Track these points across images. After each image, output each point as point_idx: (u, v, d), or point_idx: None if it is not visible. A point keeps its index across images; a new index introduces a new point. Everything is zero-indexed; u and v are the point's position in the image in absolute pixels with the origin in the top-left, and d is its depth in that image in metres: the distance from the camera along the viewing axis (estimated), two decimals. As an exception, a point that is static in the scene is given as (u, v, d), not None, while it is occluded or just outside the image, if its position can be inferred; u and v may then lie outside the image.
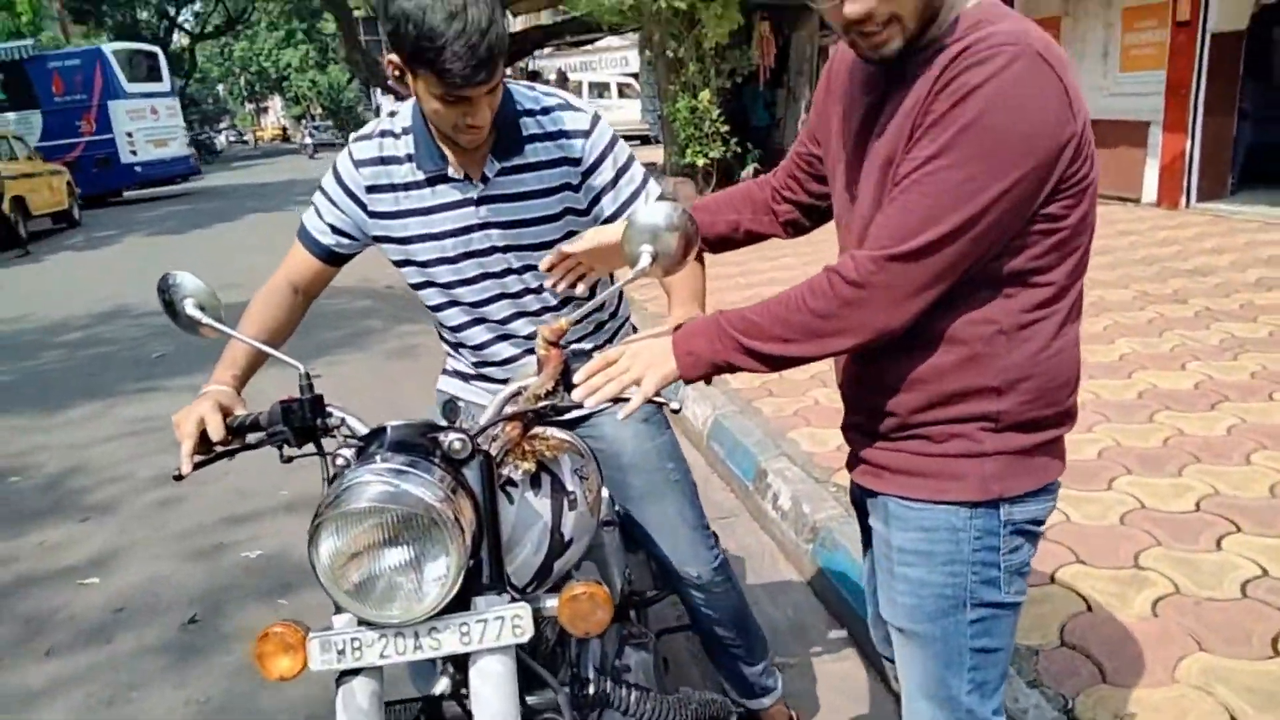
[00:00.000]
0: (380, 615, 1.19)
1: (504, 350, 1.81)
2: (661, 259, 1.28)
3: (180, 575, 3.24)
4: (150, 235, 13.96)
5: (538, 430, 1.52)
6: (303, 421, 1.34)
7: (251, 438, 1.42)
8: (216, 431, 1.37)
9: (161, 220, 15.89)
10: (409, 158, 1.64)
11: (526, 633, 1.23)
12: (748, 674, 2.07)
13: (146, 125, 19.73)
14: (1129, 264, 5.87)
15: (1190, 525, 2.69)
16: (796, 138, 1.54)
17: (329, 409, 1.36)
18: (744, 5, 9.94)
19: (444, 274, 1.72)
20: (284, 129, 67.38)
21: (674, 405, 1.35)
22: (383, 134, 1.66)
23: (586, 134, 1.66)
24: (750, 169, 10.17)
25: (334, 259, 1.76)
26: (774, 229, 1.59)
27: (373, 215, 1.69)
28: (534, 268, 1.68)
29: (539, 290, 1.74)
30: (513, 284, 1.73)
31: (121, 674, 2.67)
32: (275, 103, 72.65)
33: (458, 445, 1.23)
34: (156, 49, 22.38)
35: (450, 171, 1.62)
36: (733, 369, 1.25)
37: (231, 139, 59.07)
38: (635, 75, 24.18)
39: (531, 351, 1.61)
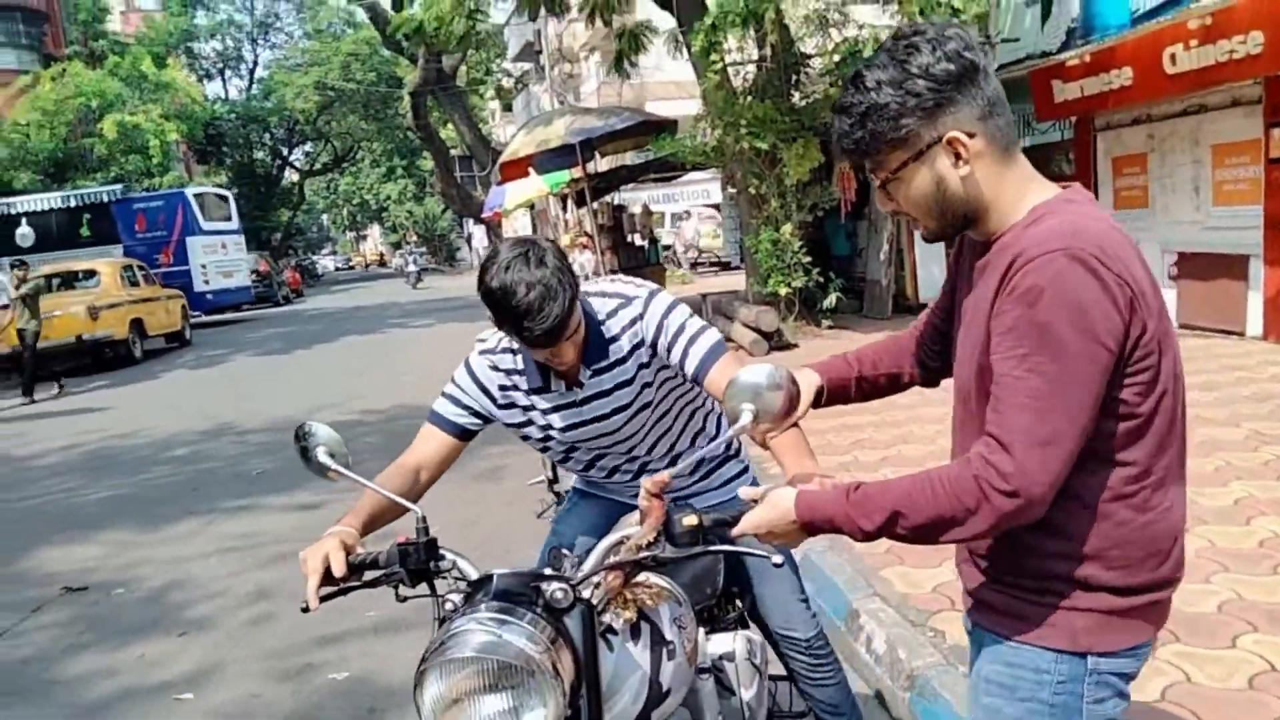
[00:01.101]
0: None
1: (613, 488, 2.12)
2: (763, 417, 1.32)
3: (270, 694, 3.27)
4: (256, 355, 14.70)
5: (638, 578, 1.54)
6: (417, 563, 1.41)
7: (369, 575, 1.48)
8: (339, 568, 1.44)
9: (266, 341, 16.74)
10: (520, 373, 1.88)
11: None
12: None
13: (217, 259, 21.55)
14: (1238, 401, 5.65)
15: (1329, 688, 2.49)
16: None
17: (442, 551, 1.42)
18: (824, 143, 10.26)
19: (558, 450, 2.04)
20: (381, 254, 71.28)
21: (776, 559, 1.37)
22: (502, 350, 1.91)
23: (641, 317, 1.84)
24: (833, 297, 10.25)
25: (465, 435, 1.94)
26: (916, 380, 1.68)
27: (500, 407, 1.93)
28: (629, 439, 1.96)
29: (637, 457, 2.01)
30: (615, 454, 2.01)
31: (211, 796, 2.68)
32: (374, 231, 76.89)
33: (559, 595, 1.27)
34: (228, 192, 24.67)
35: (553, 386, 1.87)
36: (855, 534, 1.29)
37: (338, 265, 63.47)
38: (716, 206, 24.94)
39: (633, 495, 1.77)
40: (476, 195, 31.06)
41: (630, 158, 13.77)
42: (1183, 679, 2.61)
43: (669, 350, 1.81)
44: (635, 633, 1.48)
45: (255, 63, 46.95)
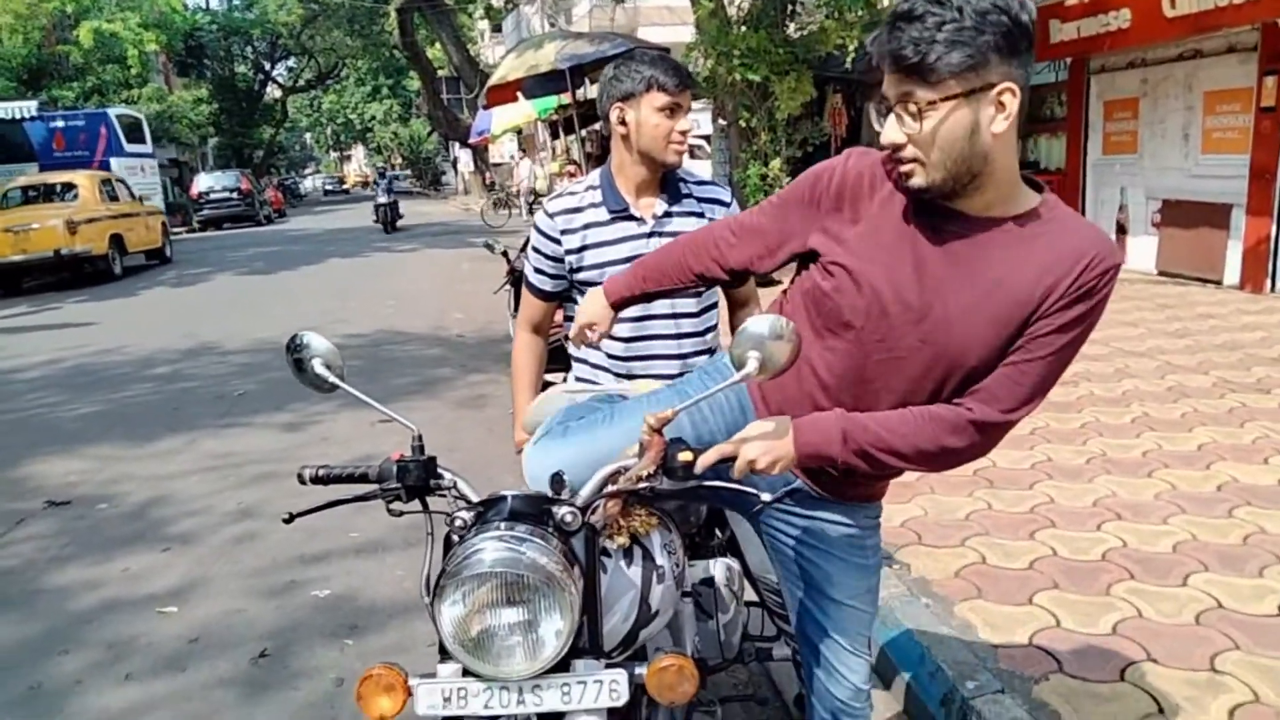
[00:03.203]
0: (494, 670, 1.28)
1: (639, 346, 2.24)
2: (768, 366, 1.35)
3: (253, 610, 3.35)
4: (239, 275, 14.57)
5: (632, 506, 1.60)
6: (417, 480, 1.43)
7: (362, 489, 1.51)
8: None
9: (250, 260, 16.58)
10: (596, 204, 2.20)
11: (622, 697, 1.31)
12: None
13: (136, 181, 20.58)
14: (1209, 349, 5.74)
15: (1272, 630, 2.61)
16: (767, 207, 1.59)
17: (441, 470, 1.45)
18: (817, 78, 10.11)
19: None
20: (366, 176, 70.06)
21: (765, 496, 1.41)
22: (571, 193, 2.24)
23: (727, 204, 2.27)
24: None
25: (552, 298, 2.28)
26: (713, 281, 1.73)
27: (568, 251, 2.19)
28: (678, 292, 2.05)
29: (678, 315, 2.23)
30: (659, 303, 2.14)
31: (195, 703, 2.77)
32: (358, 151, 75.47)
33: (569, 518, 1.33)
34: (141, 115, 23.80)
35: (631, 210, 2.17)
36: (836, 465, 1.41)
37: (328, 186, 62.57)
38: (706, 138, 24.70)
39: (657, 358, 2.21)
40: (464, 118, 30.47)
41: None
42: (1134, 614, 2.73)
43: None
44: (628, 556, 1.56)
45: (237, -30, 45.39)
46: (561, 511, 1.35)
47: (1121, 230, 9.14)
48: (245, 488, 4.62)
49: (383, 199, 21.45)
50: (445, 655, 1.36)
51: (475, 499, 1.43)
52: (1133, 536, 3.25)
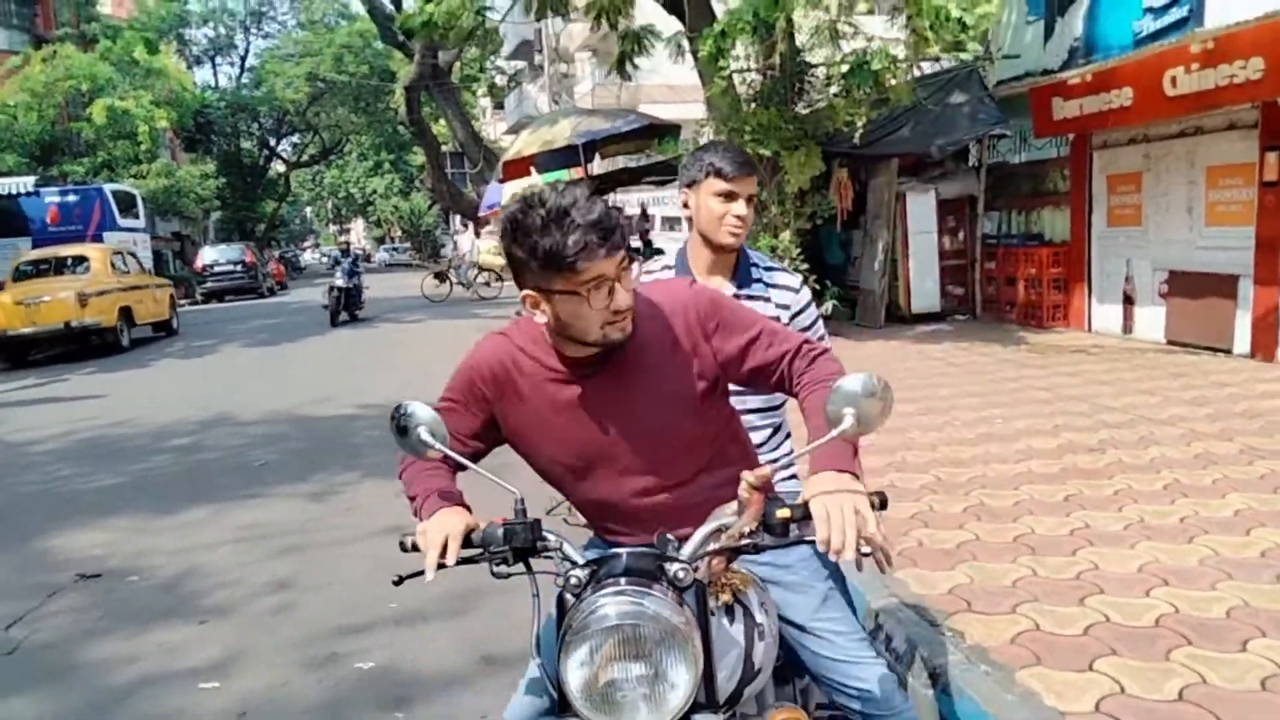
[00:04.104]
0: None
1: None
2: (863, 422, 1.40)
3: (298, 683, 3.30)
4: (246, 346, 14.63)
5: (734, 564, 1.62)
6: (524, 542, 1.45)
7: (466, 553, 1.53)
8: (455, 548, 1.49)
9: (255, 333, 16.65)
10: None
11: None
12: None
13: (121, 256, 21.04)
14: (1230, 417, 5.79)
15: (1339, 695, 2.59)
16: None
17: (545, 533, 1.47)
18: (824, 153, 10.36)
19: None
20: (364, 249, 70.77)
21: (865, 550, 1.43)
22: (648, 272, 2.42)
23: (797, 290, 2.38)
24: (829, 305, 10.35)
25: None
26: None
27: None
28: None
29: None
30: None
31: (248, 780, 2.71)
32: (357, 225, 76.40)
33: (682, 574, 1.36)
34: (135, 191, 24.13)
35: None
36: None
37: (325, 261, 62.99)
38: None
39: None
40: (467, 192, 30.98)
41: (622, 160, 13.81)
42: (1198, 680, 2.70)
43: (803, 324, 2.35)
44: (730, 614, 1.57)
45: (247, 51, 46.74)
46: (674, 568, 1.38)
47: (1129, 300, 9.28)
48: (277, 559, 4.59)
49: (340, 282, 16.67)
50: (564, 713, 1.38)
51: (580, 560, 1.46)
52: (1183, 602, 3.23)
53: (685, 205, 2.35)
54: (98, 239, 19.49)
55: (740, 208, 2.25)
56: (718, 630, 1.51)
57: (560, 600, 1.42)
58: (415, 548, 1.52)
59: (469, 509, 1.60)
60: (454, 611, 3.83)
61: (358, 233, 78.87)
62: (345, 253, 17.86)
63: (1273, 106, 7.23)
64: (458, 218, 39.62)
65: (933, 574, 3.63)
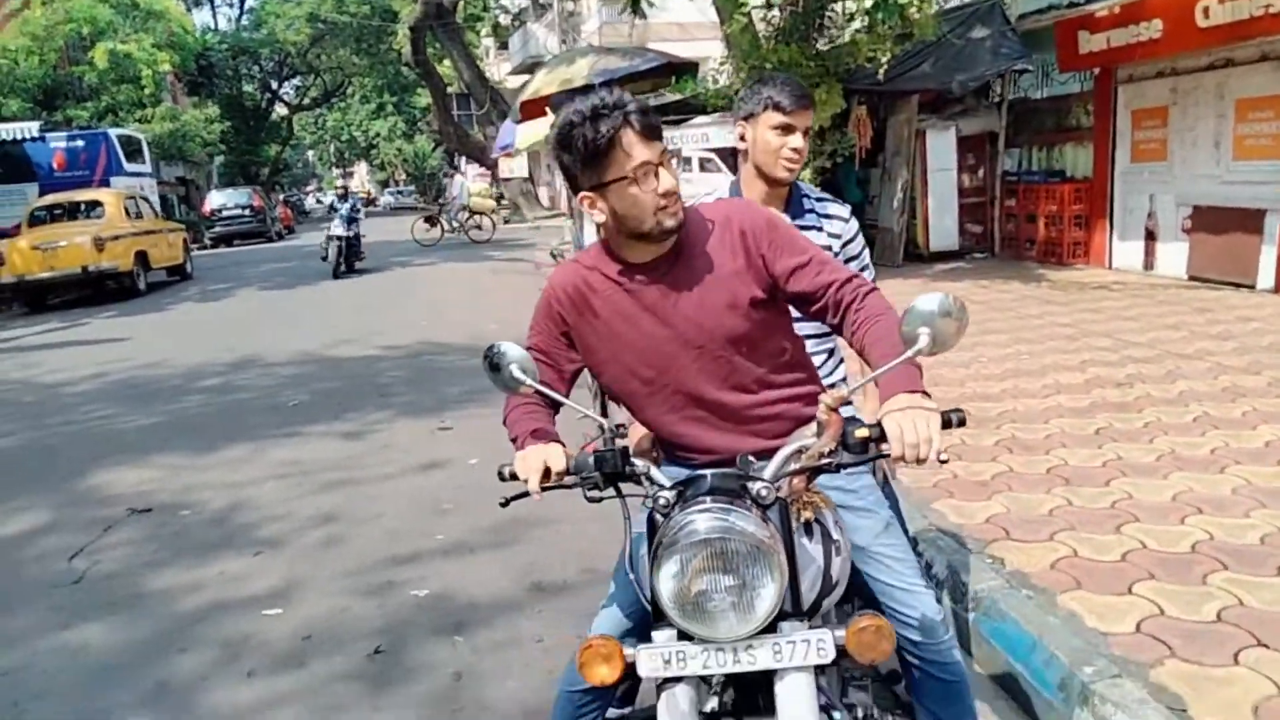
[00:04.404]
0: (709, 632, 1.38)
1: None
2: (939, 341, 1.45)
3: (357, 609, 3.42)
4: (262, 289, 14.69)
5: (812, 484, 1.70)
6: (614, 468, 1.53)
7: (564, 480, 1.60)
8: (559, 468, 1.56)
9: (270, 276, 16.69)
10: None
11: (829, 655, 1.40)
12: None
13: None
14: (1256, 350, 5.82)
15: (1374, 613, 2.67)
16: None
17: (633, 460, 1.55)
18: (844, 90, 10.24)
19: None
20: (369, 192, 70.30)
21: (944, 457, 1.49)
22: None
23: (847, 220, 2.41)
24: (848, 245, 10.33)
25: None
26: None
27: None
28: None
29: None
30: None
31: (321, 697, 2.84)
32: (361, 168, 75.77)
33: (764, 493, 1.44)
34: (141, 136, 23.89)
35: None
36: None
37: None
38: (715, 150, 24.91)
39: None
40: (474, 134, 30.67)
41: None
42: (1235, 603, 2.79)
43: (852, 252, 2.40)
44: (809, 532, 1.64)
45: (247, -9, 45.77)
46: (757, 486, 1.45)
47: (1151, 236, 9.25)
48: (321, 494, 4.70)
49: (339, 230, 15.20)
50: (659, 623, 1.46)
51: (666, 483, 1.53)
52: (1218, 529, 3.31)
53: (741, 138, 2.37)
54: (105, 184, 19.36)
55: (797, 140, 2.27)
56: (799, 546, 1.58)
57: (650, 520, 1.49)
58: (513, 476, 1.59)
59: (563, 444, 1.67)
60: (500, 543, 3.94)
61: (361, 176, 78.27)
62: (343, 197, 16.00)
63: (1307, 37, 7.12)
64: (463, 159, 39.31)
65: (970, 504, 3.71)
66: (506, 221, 28.61)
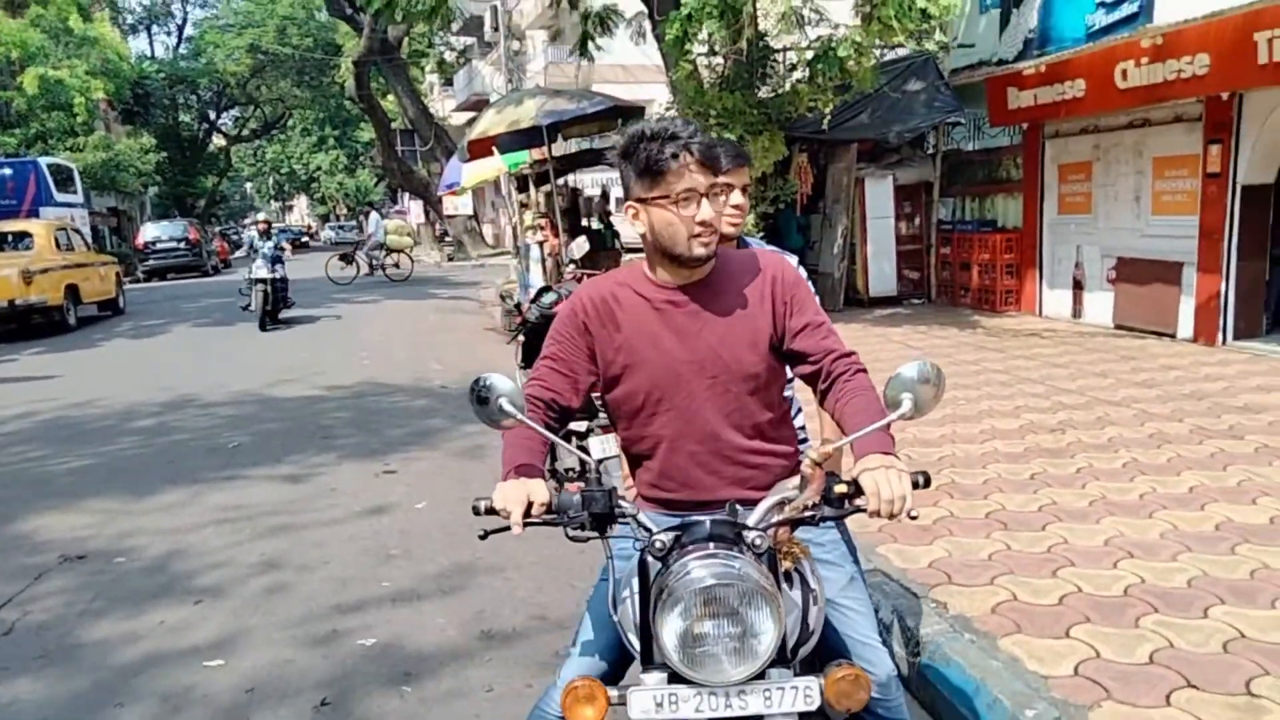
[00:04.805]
0: (705, 677, 1.42)
1: None
2: (919, 406, 1.57)
3: (302, 660, 3.35)
4: (198, 326, 14.35)
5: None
6: (603, 508, 1.56)
7: (546, 517, 1.62)
8: (540, 506, 1.58)
9: (206, 312, 16.32)
10: None
11: (815, 703, 1.45)
12: None
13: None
14: (1178, 399, 6.10)
15: (1295, 655, 2.82)
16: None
17: (619, 501, 1.58)
18: (785, 137, 10.53)
19: None
20: (310, 226, 69.26)
21: (914, 513, 1.58)
22: None
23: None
24: (790, 289, 10.52)
25: None
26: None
27: None
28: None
29: None
30: None
31: (267, 754, 2.77)
32: (301, 201, 74.72)
33: (759, 540, 1.47)
34: (72, 165, 23.45)
35: None
36: None
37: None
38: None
39: None
40: (418, 170, 30.57)
41: (575, 144, 13.76)
42: (1166, 645, 2.92)
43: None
44: (789, 580, 1.69)
45: (185, 20, 45.20)
46: (752, 535, 1.51)
47: (1079, 285, 9.64)
48: (263, 539, 4.60)
49: (262, 272, 13.04)
50: (648, 665, 1.50)
51: (653, 527, 1.57)
52: (1148, 573, 3.46)
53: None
54: (34, 214, 18.81)
55: (737, 197, 2.32)
56: (782, 593, 1.63)
57: (642, 563, 1.53)
58: (490, 511, 1.60)
59: (546, 480, 1.69)
60: (448, 590, 3.91)
61: (301, 210, 77.06)
62: (265, 233, 13.68)
63: (1216, 101, 7.56)
64: (406, 195, 39.10)
65: (913, 548, 3.81)
66: (450, 259, 28.48)
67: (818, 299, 2.54)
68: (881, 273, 11.74)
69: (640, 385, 1.87)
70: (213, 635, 3.56)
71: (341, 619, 3.68)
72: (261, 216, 14.18)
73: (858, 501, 1.56)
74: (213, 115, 46.60)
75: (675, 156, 1.70)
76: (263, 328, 12.94)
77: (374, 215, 24.69)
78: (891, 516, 1.52)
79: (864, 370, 1.85)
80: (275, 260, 13.28)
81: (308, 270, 22.04)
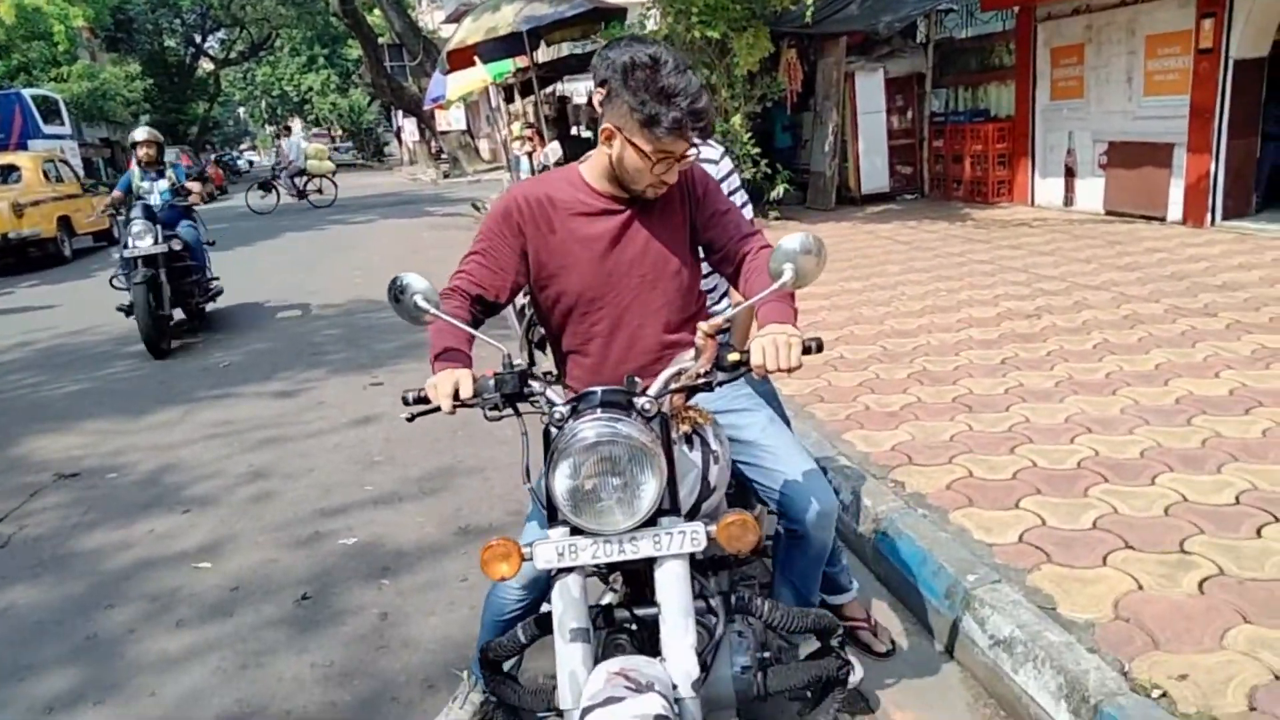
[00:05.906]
0: (597, 526, 1.55)
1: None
2: (800, 276, 1.66)
3: (285, 560, 3.50)
4: (193, 253, 14.32)
5: (691, 402, 1.85)
6: (513, 389, 1.66)
7: (470, 400, 1.71)
8: (467, 393, 1.68)
9: (201, 239, 16.27)
10: None
11: (701, 544, 1.58)
12: (832, 573, 2.49)
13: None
14: (1158, 280, 6.10)
15: (1231, 516, 2.91)
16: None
17: (530, 381, 1.68)
18: (772, 33, 10.26)
19: None
20: (302, 147, 68.10)
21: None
22: None
23: (717, 162, 2.46)
24: (780, 189, 10.43)
25: None
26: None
27: None
28: None
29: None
30: None
31: (248, 643, 2.93)
32: (296, 125, 73.61)
33: (648, 406, 1.60)
34: (58, 96, 23.04)
35: None
36: None
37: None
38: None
39: None
40: (408, 86, 29.95)
41: (567, 48, 13.51)
42: (1110, 511, 3.01)
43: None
44: (689, 443, 1.84)
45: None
46: (641, 401, 1.62)
47: (1070, 173, 9.51)
48: (252, 451, 4.73)
49: (142, 245, 6.75)
50: (553, 521, 1.62)
51: (561, 401, 1.65)
52: (1103, 446, 3.54)
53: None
54: (21, 147, 18.64)
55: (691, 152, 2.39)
56: (679, 455, 1.76)
57: (546, 433, 1.65)
58: (418, 400, 1.73)
59: (470, 369, 1.77)
60: (429, 491, 4.03)
61: (296, 133, 75.80)
62: (152, 164, 7.51)
63: (1210, -28, 7.31)
64: (400, 113, 38.40)
65: (878, 434, 3.90)
66: (446, 176, 28.17)
67: (736, 180, 2.57)
68: (874, 169, 11.59)
69: (572, 286, 1.98)
70: (200, 541, 3.71)
71: (325, 521, 3.82)
72: (139, 134, 7.52)
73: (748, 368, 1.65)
74: (198, 39, 45.59)
75: (675, 128, 1.75)
76: (155, 351, 6.92)
77: (292, 139, 23.31)
78: (765, 371, 1.65)
79: (768, 247, 1.92)
80: (173, 217, 7.53)
81: (348, 187, 21.27)
